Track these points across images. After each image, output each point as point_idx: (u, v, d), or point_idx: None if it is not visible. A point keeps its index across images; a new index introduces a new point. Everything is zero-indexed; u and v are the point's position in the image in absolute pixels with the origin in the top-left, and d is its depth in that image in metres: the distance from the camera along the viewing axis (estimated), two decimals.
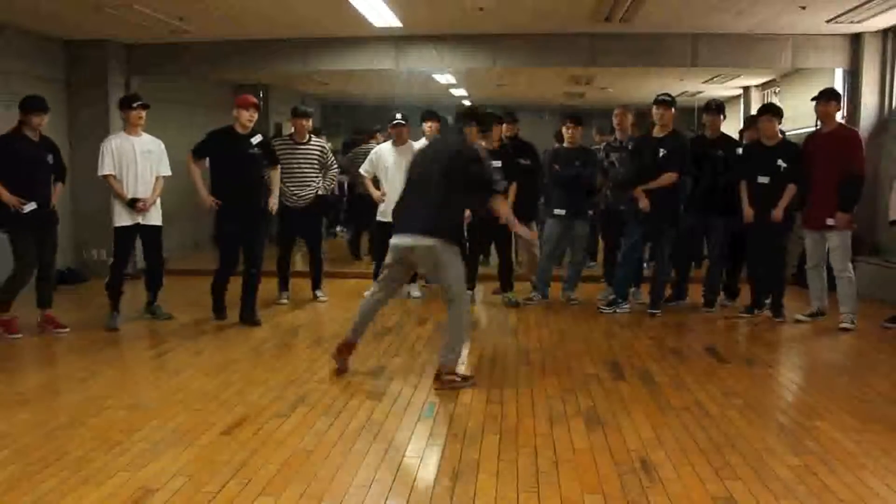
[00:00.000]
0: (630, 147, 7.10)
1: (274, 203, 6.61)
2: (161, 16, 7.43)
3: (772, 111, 6.59)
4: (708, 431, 3.89)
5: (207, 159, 6.46)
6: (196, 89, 11.29)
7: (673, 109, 6.71)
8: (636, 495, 3.15)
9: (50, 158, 6.04)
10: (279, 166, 6.77)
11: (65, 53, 8.71)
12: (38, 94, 6.08)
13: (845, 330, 6.19)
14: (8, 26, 7.70)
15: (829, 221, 6.18)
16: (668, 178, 6.57)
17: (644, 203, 6.60)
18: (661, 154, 6.60)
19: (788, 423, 4.09)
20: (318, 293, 7.50)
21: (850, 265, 6.31)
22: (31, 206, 5.83)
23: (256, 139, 6.43)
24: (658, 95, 6.78)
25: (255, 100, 6.48)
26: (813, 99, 6.41)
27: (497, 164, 7.08)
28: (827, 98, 6.38)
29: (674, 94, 7.03)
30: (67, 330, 6.08)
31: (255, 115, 6.42)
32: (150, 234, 6.38)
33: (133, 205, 6.15)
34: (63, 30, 8.25)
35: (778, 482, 3.27)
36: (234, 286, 6.51)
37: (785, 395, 4.77)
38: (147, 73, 9.30)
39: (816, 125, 6.68)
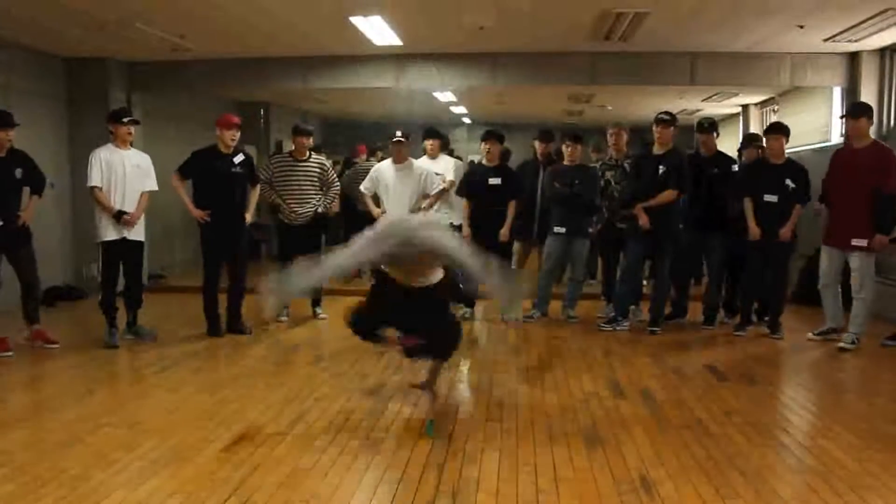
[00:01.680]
0: (628, 165, 7.12)
1: (248, 218, 6.69)
2: (162, 33, 7.48)
3: (780, 130, 6.58)
4: (708, 450, 3.87)
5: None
6: (197, 106, 11.32)
7: (673, 128, 6.74)
8: None
9: (18, 173, 5.87)
10: (258, 185, 6.89)
11: (66, 70, 8.76)
12: (4, 109, 5.98)
13: (844, 349, 6.17)
14: (9, 43, 7.74)
15: (856, 242, 6.04)
16: (668, 195, 6.58)
17: (644, 220, 6.61)
18: (660, 171, 6.63)
19: (789, 441, 4.08)
20: (318, 310, 7.49)
21: (869, 286, 6.17)
22: None
23: (239, 158, 6.53)
24: (658, 114, 6.81)
25: (237, 120, 6.57)
26: (841, 116, 6.34)
27: (497, 181, 7.15)
28: (857, 114, 6.22)
29: (673, 112, 7.05)
30: (57, 345, 6.04)
31: (237, 135, 6.51)
32: (133, 250, 6.31)
33: (119, 217, 6.09)
34: (64, 47, 8.29)
35: (779, 501, 3.25)
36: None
37: (786, 413, 4.75)
38: (147, 90, 9.34)
39: (847, 141, 6.48)
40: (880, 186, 5.97)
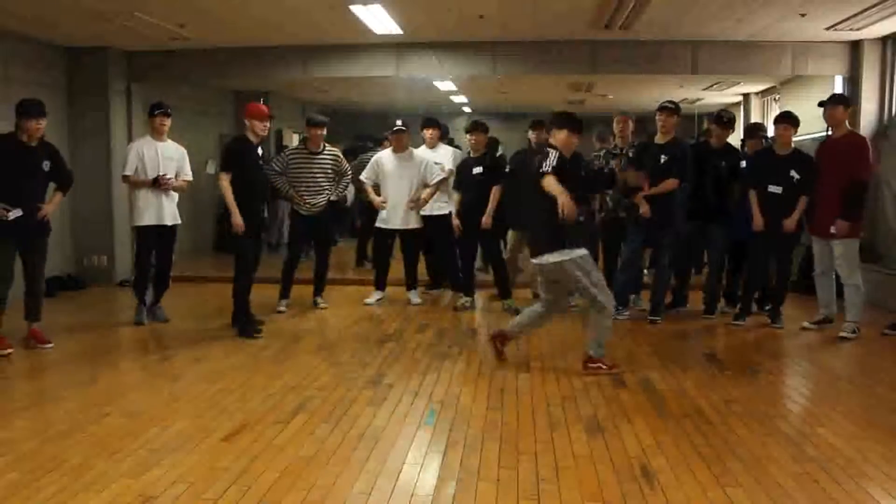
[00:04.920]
0: (632, 153, 7.11)
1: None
2: (162, 22, 7.45)
3: (789, 119, 6.51)
4: (708, 438, 3.88)
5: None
6: (196, 97, 11.30)
7: (676, 116, 6.72)
8: (637, 502, 3.15)
9: (46, 165, 5.73)
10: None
11: (65, 60, 8.73)
12: (35, 97, 5.82)
13: (844, 339, 6.17)
14: (9, 33, 7.72)
15: (832, 229, 6.13)
16: (669, 184, 6.56)
17: (644, 209, 6.60)
18: (662, 160, 6.61)
19: (789, 430, 4.09)
20: (319, 300, 7.48)
21: (857, 273, 6.22)
22: (16, 213, 5.50)
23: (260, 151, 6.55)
24: (662, 102, 6.79)
25: (266, 110, 6.39)
26: (820, 104, 6.35)
27: (478, 170, 7.15)
28: (834, 103, 6.29)
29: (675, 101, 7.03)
30: (51, 345, 5.79)
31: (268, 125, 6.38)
32: (167, 234, 6.59)
33: (156, 182, 6.38)
34: (64, 37, 8.27)
35: (779, 489, 3.26)
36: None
37: (786, 402, 4.77)
38: (147, 80, 9.31)
39: (828, 132, 6.62)
40: (853, 174, 6.08)
